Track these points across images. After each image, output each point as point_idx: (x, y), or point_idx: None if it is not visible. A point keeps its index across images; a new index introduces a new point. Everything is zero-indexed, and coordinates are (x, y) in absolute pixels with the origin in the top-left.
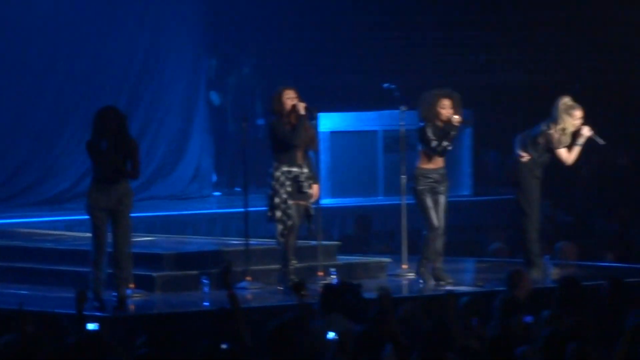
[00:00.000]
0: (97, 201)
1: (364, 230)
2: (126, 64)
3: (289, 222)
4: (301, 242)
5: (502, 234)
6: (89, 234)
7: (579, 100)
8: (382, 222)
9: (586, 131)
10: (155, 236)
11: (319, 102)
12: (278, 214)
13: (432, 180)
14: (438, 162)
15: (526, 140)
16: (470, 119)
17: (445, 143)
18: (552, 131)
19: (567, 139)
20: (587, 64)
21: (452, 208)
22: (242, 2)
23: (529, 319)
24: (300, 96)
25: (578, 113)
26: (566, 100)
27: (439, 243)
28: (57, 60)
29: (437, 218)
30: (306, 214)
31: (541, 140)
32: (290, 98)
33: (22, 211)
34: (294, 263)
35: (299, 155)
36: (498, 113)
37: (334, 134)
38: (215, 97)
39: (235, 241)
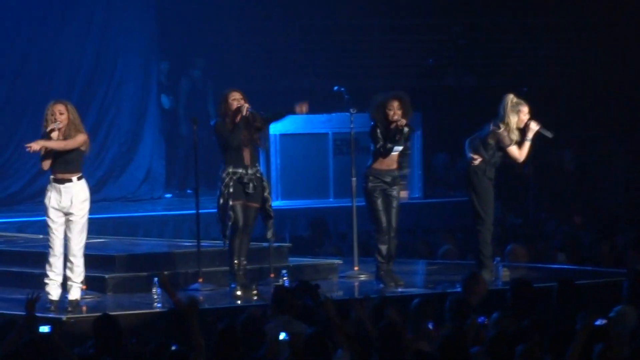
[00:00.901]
0: (50, 201)
1: (320, 233)
2: (76, 66)
3: (230, 223)
4: (253, 244)
5: (452, 236)
6: (41, 236)
7: (527, 103)
8: (333, 224)
9: (534, 125)
10: (106, 238)
11: (269, 105)
12: (220, 214)
13: (382, 181)
14: (390, 164)
15: (476, 143)
16: (416, 123)
17: (389, 145)
18: (501, 130)
19: (516, 136)
20: (534, 68)
21: (402, 210)
22: (191, 5)
23: (482, 319)
24: (246, 98)
25: (525, 109)
26: (512, 97)
27: (391, 245)
28: (7, 61)
29: (386, 220)
30: (265, 215)
31: (491, 140)
32: (235, 99)
33: None
34: (244, 263)
35: (246, 156)
36: (447, 116)
37: (284, 136)
38: (165, 101)
39: (187, 243)
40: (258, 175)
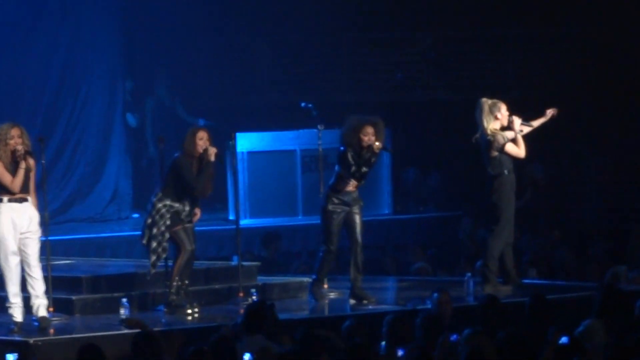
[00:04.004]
0: (6, 222)
1: (272, 249)
2: (42, 85)
3: (164, 255)
4: (221, 263)
5: (423, 252)
6: None
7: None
8: (302, 241)
9: (517, 119)
10: (73, 259)
11: (235, 122)
12: (154, 244)
13: (343, 202)
14: (352, 186)
15: (491, 158)
16: (386, 138)
17: (364, 169)
18: (490, 136)
19: (505, 135)
20: (504, 81)
21: (372, 227)
22: (157, 23)
23: (454, 337)
24: (212, 139)
25: (503, 106)
26: (485, 101)
27: (358, 260)
28: None
29: (336, 242)
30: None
31: (493, 151)
32: (202, 140)
33: None
34: (186, 283)
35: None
36: (416, 130)
37: (251, 154)
38: (131, 119)
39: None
40: (189, 212)
